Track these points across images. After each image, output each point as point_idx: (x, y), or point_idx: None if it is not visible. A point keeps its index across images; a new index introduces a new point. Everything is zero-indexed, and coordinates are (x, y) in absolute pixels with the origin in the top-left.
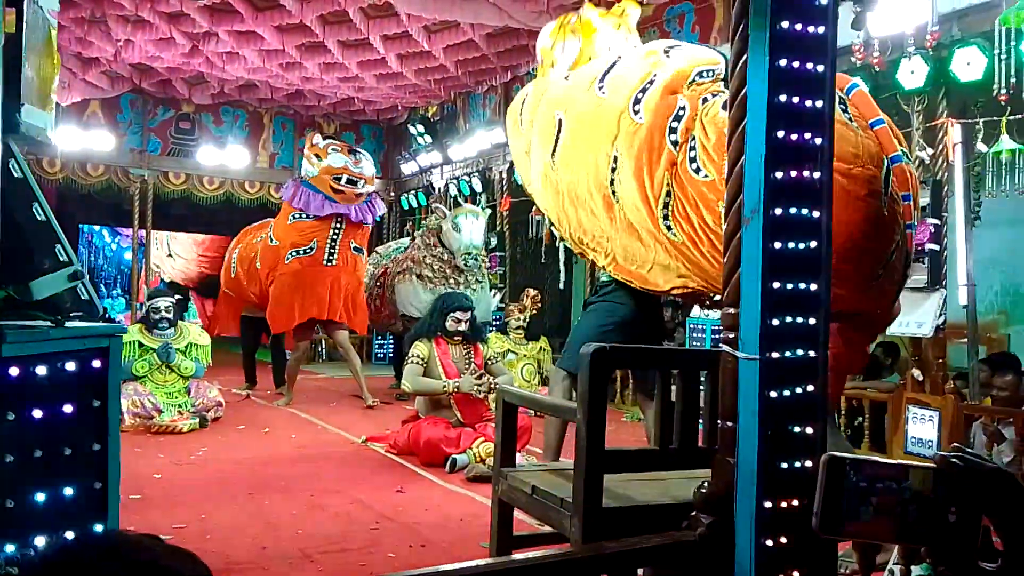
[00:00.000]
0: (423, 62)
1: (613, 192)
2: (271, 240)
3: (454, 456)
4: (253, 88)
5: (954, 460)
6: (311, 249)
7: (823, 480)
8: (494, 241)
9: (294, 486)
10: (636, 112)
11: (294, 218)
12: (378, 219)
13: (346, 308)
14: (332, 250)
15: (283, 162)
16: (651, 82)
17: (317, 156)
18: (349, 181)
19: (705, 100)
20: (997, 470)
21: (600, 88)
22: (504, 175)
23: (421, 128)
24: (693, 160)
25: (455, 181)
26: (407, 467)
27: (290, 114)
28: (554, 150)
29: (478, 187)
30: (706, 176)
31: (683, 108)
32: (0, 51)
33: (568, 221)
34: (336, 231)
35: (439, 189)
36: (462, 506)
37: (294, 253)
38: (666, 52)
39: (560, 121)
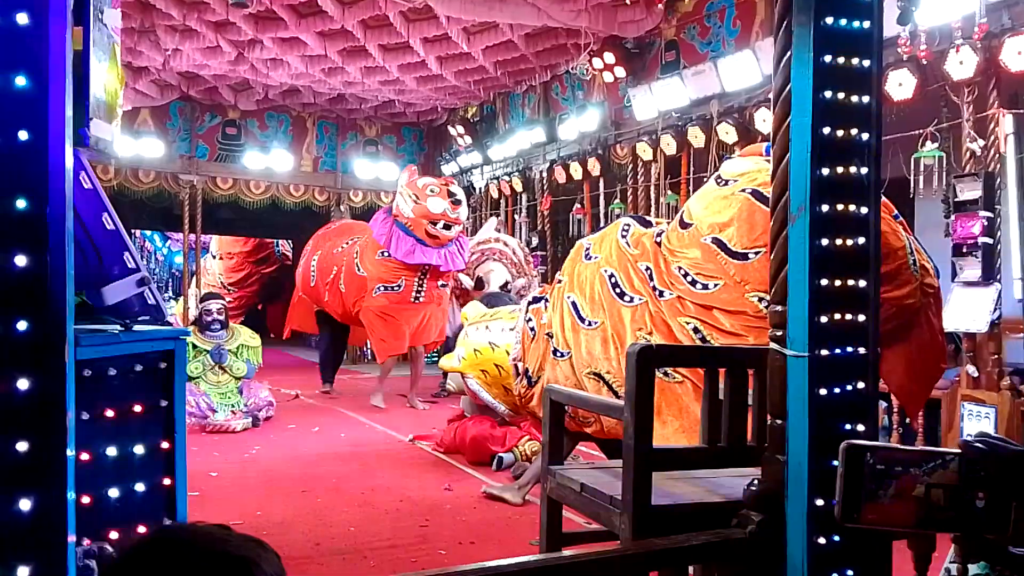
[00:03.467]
0: (463, 63)
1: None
2: (358, 268)
3: (500, 454)
4: (296, 93)
5: (977, 444)
6: (399, 287)
7: (842, 468)
8: (535, 240)
9: (345, 484)
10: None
11: (383, 255)
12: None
13: (431, 331)
14: (419, 289)
15: (326, 165)
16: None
17: (415, 197)
18: (445, 226)
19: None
20: (1022, 454)
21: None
22: (544, 174)
23: (461, 129)
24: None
25: (495, 181)
26: (454, 465)
27: (332, 118)
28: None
29: (518, 187)
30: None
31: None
32: (70, 68)
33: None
34: (424, 273)
35: (480, 189)
36: (509, 504)
37: (381, 288)
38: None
39: (575, 303)
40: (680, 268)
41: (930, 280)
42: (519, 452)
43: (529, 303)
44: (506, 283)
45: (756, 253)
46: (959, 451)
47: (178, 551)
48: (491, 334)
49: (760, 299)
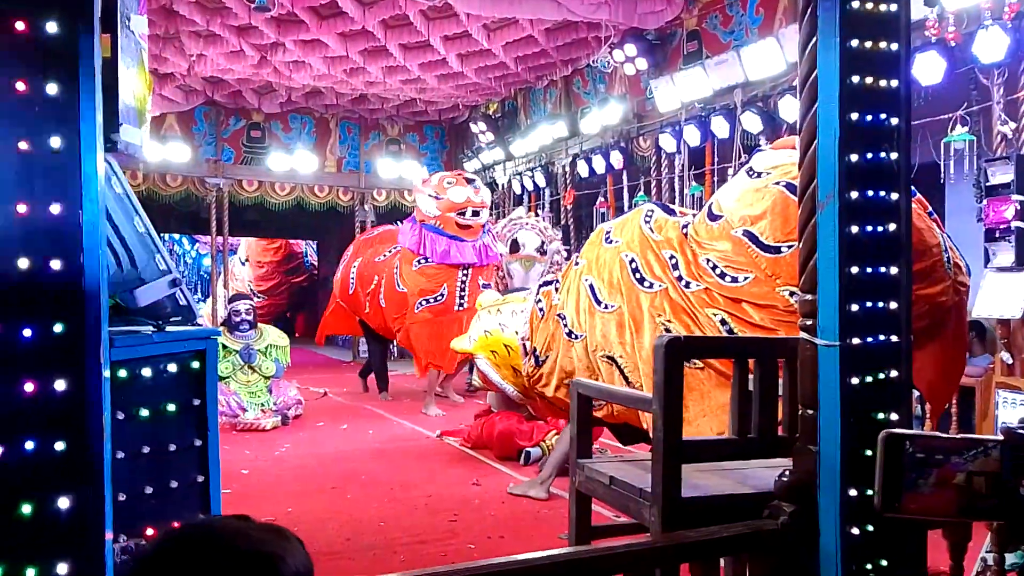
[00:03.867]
0: (483, 60)
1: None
2: (398, 284)
3: (527, 449)
4: (319, 95)
5: (1020, 431)
6: (441, 296)
7: (882, 457)
8: (559, 234)
9: (374, 480)
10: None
11: (419, 263)
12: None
13: None
14: (463, 295)
15: (350, 166)
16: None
17: (434, 194)
18: (474, 213)
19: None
20: None
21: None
22: (567, 169)
23: (483, 126)
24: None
25: (518, 177)
26: (482, 460)
27: (355, 118)
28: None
29: (541, 182)
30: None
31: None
32: (99, 75)
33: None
34: (465, 275)
35: (503, 186)
36: (537, 499)
37: (424, 302)
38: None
39: (592, 285)
40: (708, 260)
41: (963, 278)
42: (546, 446)
43: (540, 285)
44: (542, 243)
45: (789, 247)
46: (1001, 438)
47: (202, 549)
48: (501, 316)
49: (791, 293)
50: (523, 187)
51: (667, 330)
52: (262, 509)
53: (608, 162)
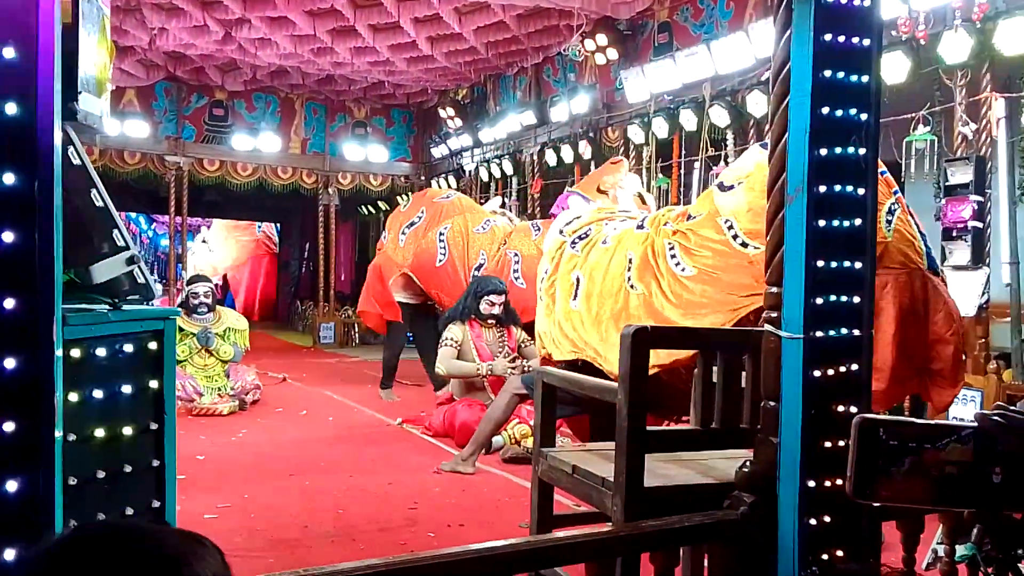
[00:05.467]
0: (453, 44)
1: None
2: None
3: None
4: (285, 74)
5: (994, 418)
6: None
7: (855, 443)
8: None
9: (333, 467)
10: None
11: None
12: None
13: None
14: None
15: (314, 148)
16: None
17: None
18: None
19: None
20: None
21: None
22: (535, 157)
23: (451, 111)
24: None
25: (486, 164)
26: (443, 448)
27: (321, 99)
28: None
29: (509, 170)
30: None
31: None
32: (58, 41)
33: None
34: None
35: (470, 172)
36: (498, 487)
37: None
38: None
39: (578, 278)
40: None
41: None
42: (508, 435)
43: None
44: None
45: (740, 183)
46: (975, 425)
47: (96, 552)
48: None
49: (730, 226)
50: (491, 174)
51: (632, 286)
52: (218, 496)
53: (576, 152)
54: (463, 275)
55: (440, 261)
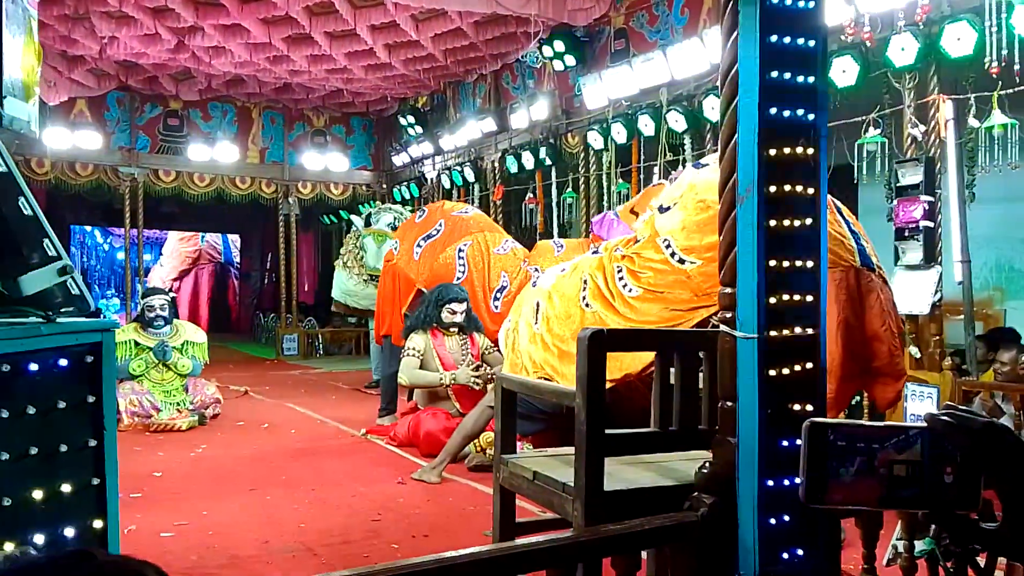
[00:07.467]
0: (412, 52)
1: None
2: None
3: None
4: (241, 83)
5: (943, 418)
6: None
7: (805, 447)
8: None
9: (295, 481)
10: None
11: None
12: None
13: None
14: None
15: (273, 157)
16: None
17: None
18: None
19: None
20: (991, 423)
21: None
22: (496, 164)
23: (411, 119)
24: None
25: (447, 171)
26: (407, 459)
27: (279, 108)
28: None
29: (470, 177)
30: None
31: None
32: None
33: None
34: None
35: (431, 180)
36: (463, 496)
37: None
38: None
39: (538, 303)
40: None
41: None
42: (474, 444)
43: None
44: (394, 219)
45: (675, 204)
46: (924, 425)
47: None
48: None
49: (668, 245)
50: (452, 182)
51: (587, 305)
52: (176, 513)
53: (537, 158)
54: (482, 294)
55: (459, 279)
